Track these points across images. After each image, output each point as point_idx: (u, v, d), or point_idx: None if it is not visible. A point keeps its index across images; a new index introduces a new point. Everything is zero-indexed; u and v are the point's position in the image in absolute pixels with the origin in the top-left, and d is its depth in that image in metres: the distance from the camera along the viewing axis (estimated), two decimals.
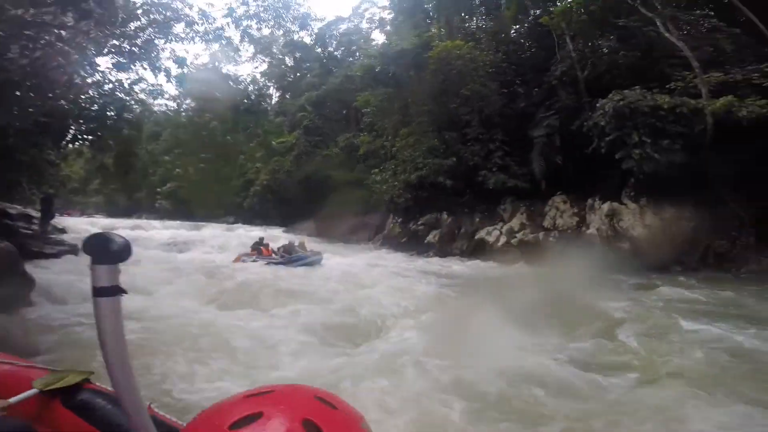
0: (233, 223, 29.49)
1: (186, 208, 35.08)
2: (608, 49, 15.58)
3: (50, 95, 9.06)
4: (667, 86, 12.25)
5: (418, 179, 16.83)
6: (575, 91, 14.98)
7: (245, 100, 37.58)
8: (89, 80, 11.49)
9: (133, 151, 25.26)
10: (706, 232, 10.99)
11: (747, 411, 3.30)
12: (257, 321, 5.72)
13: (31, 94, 8.54)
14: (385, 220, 19.56)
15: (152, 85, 14.08)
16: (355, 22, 40.81)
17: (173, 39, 13.52)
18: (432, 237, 16.47)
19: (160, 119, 42.77)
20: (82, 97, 11.20)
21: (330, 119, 31.10)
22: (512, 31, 20.90)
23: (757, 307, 7.12)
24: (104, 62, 11.66)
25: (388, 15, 33.33)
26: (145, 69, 12.84)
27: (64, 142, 12.77)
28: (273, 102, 43.71)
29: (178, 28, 13.62)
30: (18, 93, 8.28)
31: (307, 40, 44.00)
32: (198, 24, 14.74)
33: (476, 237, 14.94)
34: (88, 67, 10.88)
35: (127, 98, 13.24)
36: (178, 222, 26.32)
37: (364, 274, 10.17)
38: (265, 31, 44.67)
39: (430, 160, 16.77)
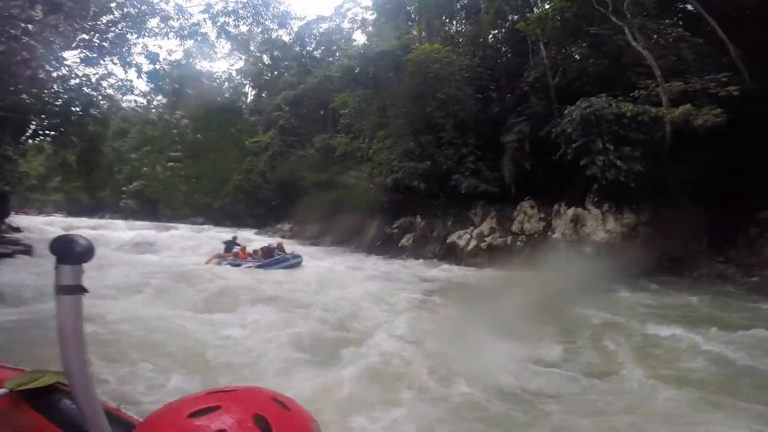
0: (202, 223, 29.47)
1: (152, 208, 34.76)
2: (580, 56, 16.53)
3: (11, 89, 9.10)
4: (632, 94, 13.00)
5: (393, 182, 17.38)
6: (546, 98, 15.80)
7: (218, 98, 37.50)
8: (54, 75, 11.46)
9: (99, 148, 25.00)
10: (662, 237, 11.84)
11: (716, 409, 3.76)
12: (234, 328, 5.76)
13: None
14: (360, 223, 20.02)
15: (122, 80, 14.12)
16: (336, 22, 41.45)
17: (147, 34, 13.64)
18: (406, 240, 17.04)
19: (128, 116, 42.15)
20: (46, 91, 11.17)
21: (306, 119, 31.46)
22: (490, 36, 21.72)
23: (710, 310, 7.84)
24: (71, 56, 11.62)
25: (370, 16, 34.13)
26: (115, 64, 12.91)
27: (23, 138, 12.67)
28: (248, 100, 43.80)
29: (153, 22, 13.69)
30: None
31: (286, 38, 44.37)
32: (173, 19, 14.91)
33: (448, 241, 15.56)
34: (54, 62, 10.86)
35: (94, 94, 13.23)
36: (144, 222, 26.18)
37: (345, 279, 10.43)
38: (243, 28, 44.81)
39: (406, 163, 17.33)
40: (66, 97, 11.97)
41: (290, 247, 14.98)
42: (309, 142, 28.08)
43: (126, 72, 13.13)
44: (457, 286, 11.10)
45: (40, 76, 10.18)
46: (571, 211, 12.91)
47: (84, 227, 19.74)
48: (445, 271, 13.34)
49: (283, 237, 22.25)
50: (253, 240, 17.29)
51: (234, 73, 45.47)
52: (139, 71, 13.88)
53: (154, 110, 42.91)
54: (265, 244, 13.37)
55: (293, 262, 12.08)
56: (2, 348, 4.33)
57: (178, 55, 17.74)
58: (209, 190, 34.53)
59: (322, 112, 31.32)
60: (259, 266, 11.59)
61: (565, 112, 13.60)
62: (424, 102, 18.79)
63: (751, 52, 12.81)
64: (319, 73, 31.40)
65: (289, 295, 8.03)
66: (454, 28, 24.84)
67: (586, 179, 12.75)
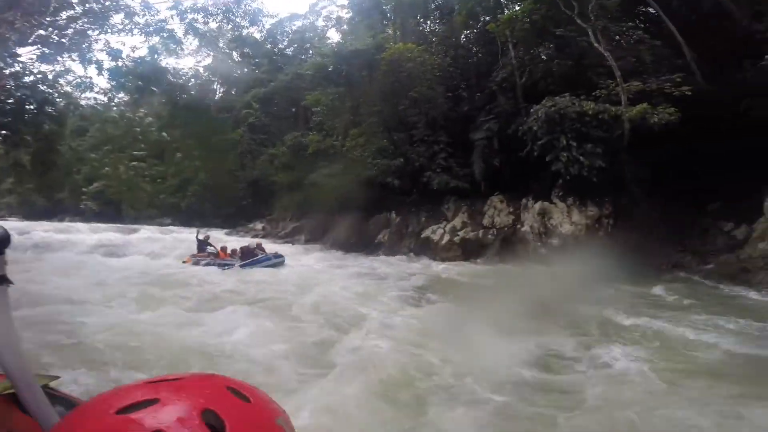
0: (169, 224, 29.12)
1: (115, 209, 33.99)
2: (546, 57, 17.56)
3: None
4: (593, 94, 13.85)
5: (367, 179, 17.89)
6: (514, 97, 16.68)
7: (184, 96, 37.05)
8: (6, 72, 11.28)
9: (55, 148, 24.33)
10: (624, 228, 12.82)
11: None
12: (228, 335, 5.62)
13: None
14: (335, 220, 20.40)
15: (80, 77, 13.91)
16: (311, 20, 41.67)
17: (110, 30, 13.48)
18: (382, 236, 17.58)
19: (87, 114, 41.06)
20: None
21: (277, 117, 31.56)
22: (462, 36, 22.61)
23: (675, 297, 8.55)
24: (27, 53, 11.35)
25: (346, 14, 34.62)
26: (74, 60, 12.73)
27: None
28: (216, 98, 43.42)
29: (117, 18, 13.55)
30: None
31: (257, 35, 44.24)
32: (139, 15, 14.81)
33: (422, 236, 16.20)
34: (8, 59, 10.73)
35: (50, 91, 12.98)
36: (107, 225, 25.65)
37: (329, 278, 10.61)
38: (213, 25, 44.42)
39: (379, 160, 17.90)
40: (18, 94, 11.73)
41: (265, 246, 15.19)
42: (280, 140, 28.18)
43: (85, 69, 12.95)
44: (441, 282, 11.40)
45: None
46: (538, 205, 13.78)
47: (43, 230, 19.18)
48: (424, 266, 13.78)
49: (255, 236, 22.30)
50: (225, 240, 17.31)
51: (201, 70, 44.98)
52: (99, 68, 13.76)
53: (115, 108, 41.95)
54: (244, 244, 13.37)
55: (275, 262, 12.14)
56: None
57: (142, 51, 17.52)
58: (175, 190, 34.15)
59: (293, 110, 31.49)
60: (241, 266, 11.59)
61: (531, 110, 14.40)
62: (397, 100, 19.37)
63: (706, 54, 13.95)
64: (291, 71, 31.55)
65: (279, 297, 8.07)
66: (428, 27, 25.64)
67: (551, 174, 13.63)
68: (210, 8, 44.21)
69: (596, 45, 14.85)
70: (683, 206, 12.49)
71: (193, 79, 42.38)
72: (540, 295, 8.17)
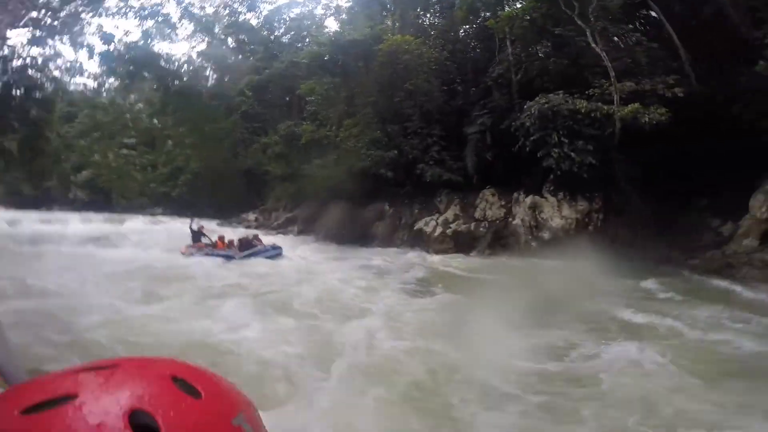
0: (161, 214, 29.24)
1: (105, 198, 33.96)
2: (543, 55, 17.96)
3: None
4: (587, 92, 14.25)
5: (361, 170, 18.18)
6: (508, 93, 17.03)
7: (177, 81, 36.84)
8: None
9: (43, 134, 24.29)
10: (614, 223, 13.34)
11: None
12: (236, 331, 5.64)
13: None
14: (328, 212, 20.67)
15: (70, 61, 13.86)
16: (309, 7, 41.58)
17: (104, 13, 13.49)
18: (375, 228, 17.94)
19: (76, 99, 40.75)
20: None
21: (271, 106, 31.57)
22: (461, 31, 22.93)
23: (663, 292, 8.94)
24: (15, 35, 11.27)
25: (345, 3, 34.65)
26: (64, 44, 12.70)
27: None
28: (209, 85, 43.34)
29: (111, 1, 13.64)
30: None
31: (254, 22, 44.11)
32: None
33: (415, 228, 16.60)
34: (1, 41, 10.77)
35: (38, 75, 12.97)
36: (98, 214, 25.74)
37: (329, 271, 10.79)
38: (209, 10, 44.19)
39: (373, 151, 18.16)
40: (5, 79, 11.77)
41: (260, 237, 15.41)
42: (273, 129, 28.30)
43: (76, 53, 12.89)
44: (440, 274, 11.61)
45: None
46: (529, 199, 14.24)
47: (31, 221, 19.24)
48: (419, 258, 14.09)
49: (248, 227, 22.60)
50: (217, 231, 17.46)
51: (195, 56, 44.80)
52: (90, 52, 13.75)
53: (105, 94, 41.61)
54: (242, 236, 13.46)
55: (273, 253, 12.25)
56: None
57: (135, 36, 17.51)
58: (166, 178, 34.13)
59: (287, 99, 31.52)
60: (241, 257, 11.68)
61: (525, 107, 14.76)
62: (393, 92, 19.65)
63: (702, 58, 14.35)
64: (287, 59, 31.62)
65: (283, 290, 8.17)
66: (427, 20, 25.85)
67: (542, 170, 14.06)
68: None
69: (593, 45, 15.16)
70: (672, 203, 13.00)
71: (185, 65, 42.24)
72: (538, 289, 8.51)
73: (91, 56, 13.38)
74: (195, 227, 13.65)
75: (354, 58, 22.21)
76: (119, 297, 7.32)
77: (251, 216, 25.60)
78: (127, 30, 16.35)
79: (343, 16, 35.38)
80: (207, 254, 12.09)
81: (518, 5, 18.66)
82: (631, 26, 16.33)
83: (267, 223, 23.32)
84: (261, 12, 44.33)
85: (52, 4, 11.37)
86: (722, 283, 9.95)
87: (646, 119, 12.95)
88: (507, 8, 19.59)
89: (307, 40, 35.75)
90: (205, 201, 29.72)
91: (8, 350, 0.77)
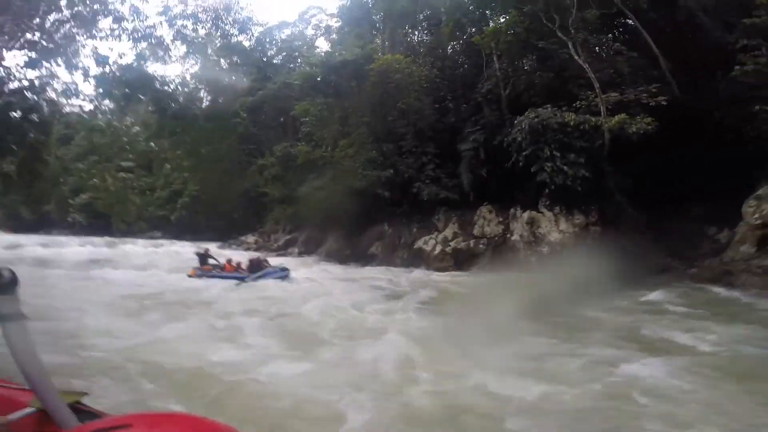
0: (159, 238, 28.88)
1: (104, 222, 33.50)
2: (528, 68, 17.96)
3: None
4: (574, 105, 14.17)
5: (358, 191, 17.97)
6: (498, 108, 16.96)
7: (172, 104, 36.60)
8: None
9: (42, 157, 23.91)
10: (611, 235, 13.15)
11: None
12: (260, 363, 5.11)
13: None
14: (327, 232, 20.50)
15: (66, 83, 13.68)
16: (300, 28, 41.61)
17: (97, 35, 13.38)
18: (375, 248, 17.72)
19: (72, 121, 40.31)
20: None
21: (266, 127, 31.44)
22: (449, 48, 22.96)
23: (665, 302, 8.81)
24: (11, 58, 11.02)
25: (335, 23, 34.69)
26: (59, 66, 12.55)
27: None
28: (203, 106, 43.17)
29: (105, 23, 13.43)
30: None
31: (246, 43, 44.10)
32: (127, 20, 14.71)
33: (415, 246, 16.40)
34: None
35: (35, 97, 12.83)
36: (97, 238, 25.37)
37: (339, 290, 10.49)
38: (201, 32, 44.06)
39: (369, 171, 17.99)
40: (2, 101, 11.60)
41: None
42: (269, 151, 28.15)
43: (72, 75, 12.73)
44: (451, 294, 11.27)
45: None
46: (526, 215, 14.10)
47: (31, 244, 18.93)
48: (424, 277, 13.75)
49: (248, 249, 22.32)
50: (217, 254, 17.24)
51: (188, 78, 44.63)
52: (86, 74, 13.61)
53: (101, 116, 41.28)
54: (253, 257, 13.34)
55: (282, 275, 12.04)
56: None
57: (129, 58, 17.38)
58: (164, 202, 33.79)
59: (282, 120, 31.40)
60: (254, 279, 11.48)
61: (516, 122, 14.67)
62: (386, 111, 19.58)
63: (681, 65, 14.43)
64: (279, 80, 31.57)
65: (300, 314, 7.79)
66: (416, 38, 25.90)
67: (537, 184, 13.94)
68: (200, 15, 43.98)
69: (576, 57, 15.19)
70: (668, 212, 12.91)
71: (180, 87, 42.02)
72: (546, 305, 8.29)
73: (86, 78, 13.09)
74: (202, 250, 13.61)
75: (346, 79, 22.13)
76: (133, 320, 7.07)
77: (250, 238, 25.32)
78: (121, 52, 16.14)
79: (333, 36, 35.49)
80: (215, 276, 11.87)
81: (501, 20, 18.66)
82: (610, 36, 16.37)
83: (266, 245, 23.05)
84: (252, 34, 44.34)
85: (46, 26, 11.20)
86: (722, 291, 9.89)
87: (634, 129, 12.90)
88: (492, 23, 19.66)
89: (299, 60, 35.81)
90: (203, 224, 29.41)
91: (46, 377, 0.80)
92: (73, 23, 11.92)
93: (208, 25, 44.57)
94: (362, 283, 12.15)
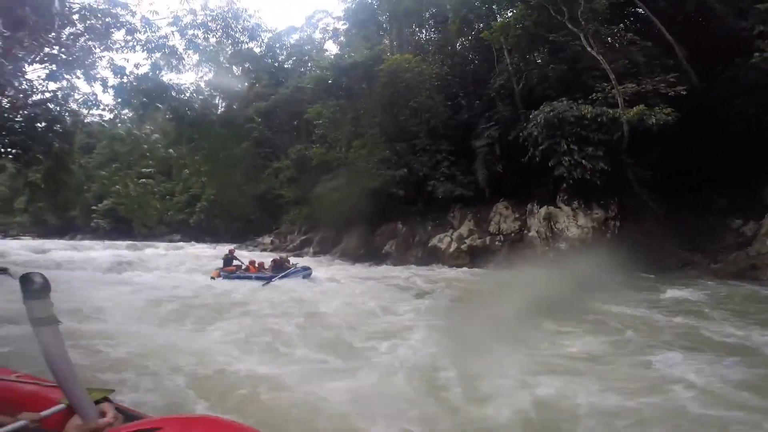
0: (179, 240, 28.86)
1: (126, 227, 33.68)
2: (540, 62, 17.30)
3: None
4: (590, 97, 13.57)
5: (372, 190, 17.55)
6: (512, 103, 16.38)
7: (188, 111, 36.68)
8: (15, 90, 11.07)
9: (66, 166, 24.14)
10: (631, 229, 12.53)
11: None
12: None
13: None
14: (342, 232, 20.14)
15: (86, 94, 13.61)
16: (308, 32, 41.39)
17: (112, 47, 13.26)
18: (389, 247, 17.27)
19: (93, 131, 40.71)
20: (6, 107, 10.61)
21: (280, 131, 31.25)
22: (458, 44, 22.38)
23: (692, 299, 8.09)
24: (34, 71, 11.11)
25: (342, 26, 34.31)
26: (78, 78, 12.48)
27: None
28: (219, 112, 43.20)
29: (118, 35, 13.34)
30: None
31: (257, 50, 44.02)
32: (140, 32, 14.59)
33: (429, 245, 15.89)
34: (20, 77, 10.56)
35: (57, 109, 12.79)
36: (120, 242, 25.43)
37: (360, 290, 10.03)
38: (212, 41, 44.13)
39: (383, 171, 17.56)
40: (27, 113, 11.56)
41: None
42: (284, 154, 27.92)
43: (91, 86, 12.72)
44: (479, 292, 10.76)
45: (9, 92, 9.85)
46: (543, 210, 13.49)
47: (58, 248, 18.93)
48: (443, 275, 13.09)
49: (264, 250, 22.09)
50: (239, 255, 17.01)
51: (203, 85, 44.73)
52: (104, 85, 13.56)
53: (120, 125, 41.56)
54: (276, 257, 13.08)
55: (305, 274, 11.82)
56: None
57: (145, 68, 17.30)
58: (184, 206, 33.86)
59: (295, 123, 31.19)
60: (280, 278, 11.21)
61: (531, 116, 14.12)
62: (398, 110, 19.16)
63: (696, 54, 13.72)
64: (291, 84, 31.32)
65: (329, 314, 7.27)
66: (423, 36, 25.38)
67: (554, 179, 13.35)
68: (210, 24, 44.08)
69: (589, 49, 14.60)
70: (689, 205, 12.24)
71: (195, 95, 42.06)
72: (567, 300, 7.77)
73: (105, 89, 13.24)
74: (227, 252, 13.47)
75: (356, 80, 21.76)
76: (164, 321, 6.75)
77: (267, 239, 25.08)
78: (137, 63, 16.11)
79: (341, 38, 35.12)
80: (239, 278, 11.53)
81: (509, 14, 18.01)
82: (621, 26, 15.63)
83: (282, 246, 22.77)
84: (263, 40, 44.22)
85: (63, 40, 11.14)
86: (751, 287, 9.21)
87: (653, 120, 12.25)
88: (499, 18, 19.03)
89: (309, 64, 35.52)
90: (221, 227, 29.33)
91: (75, 378, 0.84)
92: (88, 36, 11.95)
93: (219, 33, 44.61)
94: (383, 281, 11.60)
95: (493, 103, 16.90)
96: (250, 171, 29.27)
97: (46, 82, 11.79)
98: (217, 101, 44.21)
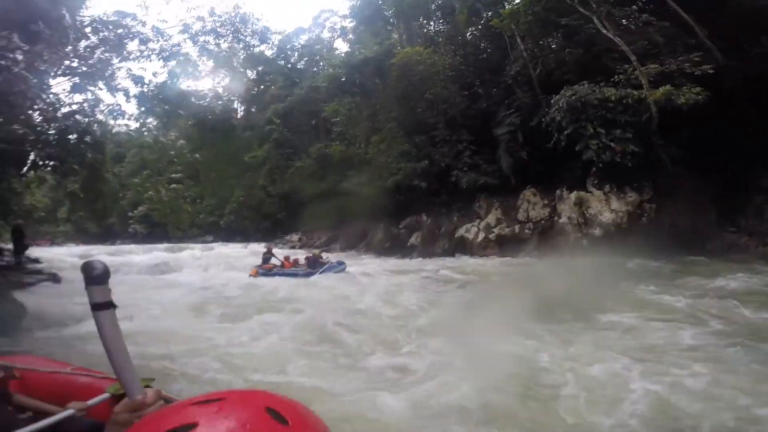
0: (212, 241, 28.64)
1: (162, 230, 33.63)
2: (556, 47, 16.17)
3: (1, 120, 8.30)
4: (612, 79, 12.60)
5: (394, 184, 16.86)
6: (530, 89, 15.33)
7: (210, 116, 36.20)
8: (44, 103, 10.87)
9: (101, 176, 23.91)
10: (669, 212, 11.47)
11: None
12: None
13: None
14: (367, 227, 19.50)
15: (110, 105, 13.36)
16: (316, 32, 40.25)
17: (128, 57, 12.92)
18: (414, 239, 16.53)
19: (122, 140, 40.68)
20: (38, 120, 10.47)
21: (299, 131, 30.56)
22: (468, 34, 21.19)
23: (745, 287, 7.06)
24: (57, 84, 10.86)
25: (349, 23, 33.09)
26: (101, 89, 12.19)
27: (24, 170, 11.98)
28: (239, 116, 42.58)
29: (132, 45, 13.00)
30: None
31: (269, 53, 43.04)
32: (153, 41, 14.17)
33: (456, 235, 15.10)
34: (45, 90, 10.29)
35: (85, 120, 12.57)
36: (157, 245, 25.28)
37: (395, 284, 9.40)
38: (224, 46, 43.32)
39: (404, 164, 16.78)
40: (58, 125, 11.26)
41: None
42: (305, 153, 27.24)
43: (114, 96, 12.45)
44: (521, 283, 9.59)
45: (39, 105, 9.53)
46: (573, 195, 12.55)
47: (101, 253, 18.82)
48: (473, 265, 12.23)
49: (293, 247, 21.65)
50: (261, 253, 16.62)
51: (221, 90, 44.04)
52: (126, 95, 13.28)
53: (146, 133, 41.35)
54: (310, 254, 12.73)
55: (340, 268, 11.54)
56: None
57: (163, 77, 17.02)
58: (214, 208, 33.61)
59: (313, 122, 30.37)
60: (319, 273, 10.93)
61: (552, 101, 13.25)
62: (413, 103, 18.27)
63: (718, 32, 12.60)
64: (305, 84, 30.43)
65: (383, 313, 6.61)
66: (432, 28, 24.18)
67: (583, 163, 12.42)
68: (219, 30, 43.29)
69: (604, 31, 13.59)
70: (730, 183, 11.19)
71: (215, 100, 41.44)
72: (611, 289, 7.20)
73: (128, 99, 13.08)
74: (265, 250, 13.16)
75: (369, 76, 20.90)
76: (212, 318, 6.45)
77: (294, 237, 24.61)
78: (154, 72, 15.73)
79: (350, 36, 33.89)
80: (278, 275, 11.16)
81: (517, 1, 16.84)
82: (634, 7, 14.42)
83: (310, 243, 22.26)
84: (273, 43, 43.22)
85: (80, 52, 10.77)
86: None
87: (682, 100, 11.24)
88: (507, 5, 17.84)
89: (321, 63, 34.48)
90: (251, 227, 29.01)
91: (129, 363, 0.81)
92: (103, 48, 11.64)
93: (229, 38, 43.79)
94: (416, 275, 10.87)
95: (512, 90, 15.86)
96: (274, 172, 28.70)
97: (71, 94, 11.60)
98: (235, 105, 43.58)
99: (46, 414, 1.28)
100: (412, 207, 17.05)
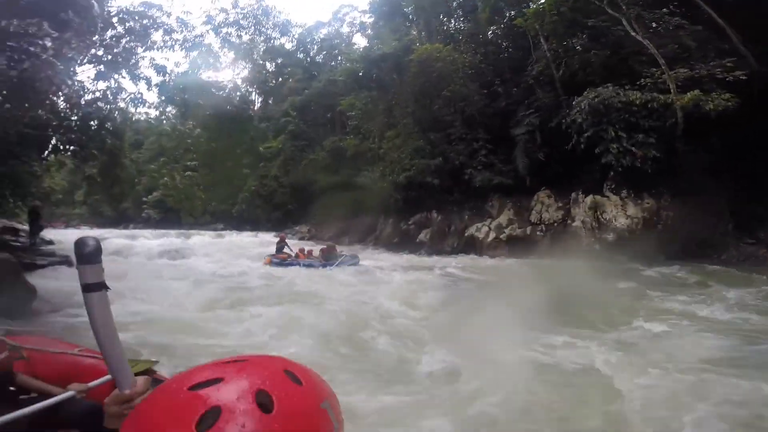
0: (222, 229, 28.93)
1: (174, 216, 34.13)
2: (581, 48, 15.82)
3: (27, 105, 8.47)
4: (638, 82, 12.32)
5: (406, 180, 16.75)
6: (552, 90, 15.10)
7: (228, 107, 36.71)
8: (69, 89, 11.13)
9: (119, 161, 24.36)
10: (686, 220, 11.14)
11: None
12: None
13: (8, 105, 7.99)
14: (377, 221, 19.43)
15: (132, 93, 13.58)
16: (335, 27, 40.40)
17: (152, 47, 13.15)
18: (423, 235, 16.38)
19: (141, 127, 41.46)
20: (62, 106, 10.53)
21: (314, 124, 30.67)
22: (489, 33, 20.94)
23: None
24: (82, 71, 11.20)
25: (368, 19, 33.12)
26: (124, 78, 12.43)
27: (45, 153, 12.29)
28: (256, 108, 42.94)
29: (156, 36, 13.24)
30: (8, 105, 7.80)
31: (288, 45, 43.33)
32: (177, 32, 14.38)
33: (466, 234, 14.93)
34: (72, 77, 10.53)
35: (107, 107, 12.81)
36: (169, 231, 25.54)
37: (413, 280, 9.28)
38: (245, 38, 43.78)
39: (417, 160, 16.67)
40: (80, 112, 11.56)
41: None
42: (319, 146, 27.30)
43: (136, 85, 12.73)
44: (541, 285, 9.34)
45: (64, 91, 9.70)
46: (589, 199, 12.29)
47: (114, 237, 19.01)
48: (488, 265, 12.08)
49: (302, 238, 21.67)
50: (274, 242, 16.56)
51: (240, 82, 44.49)
52: (148, 84, 13.52)
53: (165, 121, 42.10)
54: (324, 246, 12.75)
55: (354, 262, 11.61)
56: None
57: (184, 67, 17.22)
58: (226, 196, 34.02)
59: (329, 116, 30.46)
60: (336, 265, 10.93)
61: (573, 103, 13.00)
62: (430, 100, 18.13)
63: (752, 37, 12.17)
64: (324, 78, 30.53)
65: (404, 311, 6.50)
66: (452, 26, 23.96)
67: (601, 167, 12.15)
68: (241, 22, 43.78)
69: (633, 33, 13.30)
70: (750, 194, 10.80)
71: (233, 92, 41.94)
72: (637, 295, 7.01)
73: (149, 88, 13.41)
74: (278, 239, 13.19)
75: (387, 71, 20.82)
76: (230, 307, 6.36)
77: (304, 228, 24.67)
78: (177, 62, 16.03)
79: (369, 31, 33.87)
80: (293, 264, 11.16)
81: (542, 1, 16.53)
82: (665, 10, 14.00)
83: (318, 234, 22.27)
84: (294, 36, 43.50)
85: (106, 41, 11.01)
86: None
87: (711, 106, 10.86)
88: (531, 5, 17.53)
89: (340, 58, 34.55)
90: (262, 216, 29.20)
91: (119, 349, 0.78)
92: (129, 37, 11.98)
93: (251, 30, 44.24)
94: (430, 272, 10.69)
95: (532, 90, 15.61)
96: (288, 163, 28.86)
97: (95, 82, 11.98)
98: (253, 97, 43.98)
99: (49, 395, 1.29)
100: (422, 203, 16.91)
